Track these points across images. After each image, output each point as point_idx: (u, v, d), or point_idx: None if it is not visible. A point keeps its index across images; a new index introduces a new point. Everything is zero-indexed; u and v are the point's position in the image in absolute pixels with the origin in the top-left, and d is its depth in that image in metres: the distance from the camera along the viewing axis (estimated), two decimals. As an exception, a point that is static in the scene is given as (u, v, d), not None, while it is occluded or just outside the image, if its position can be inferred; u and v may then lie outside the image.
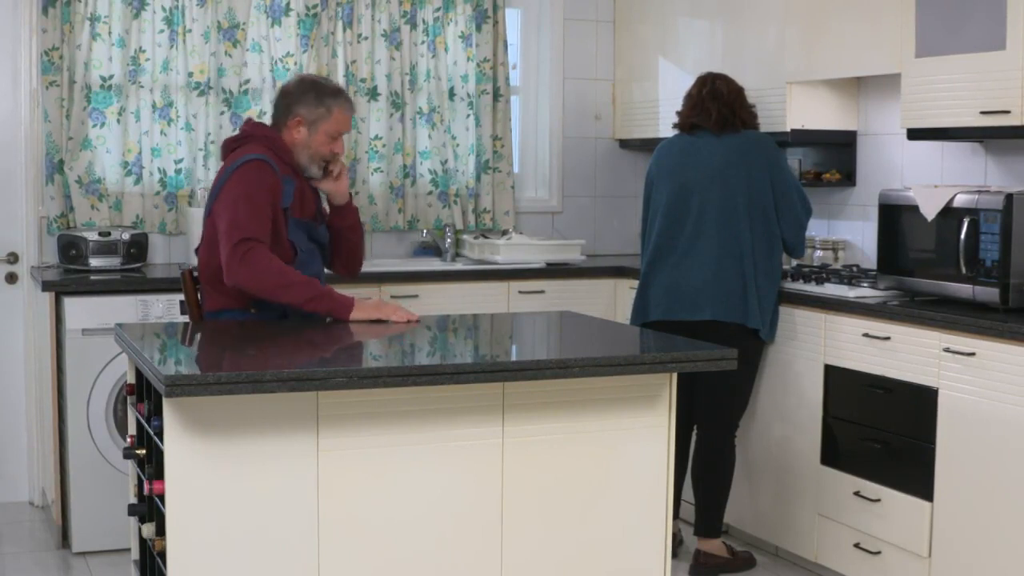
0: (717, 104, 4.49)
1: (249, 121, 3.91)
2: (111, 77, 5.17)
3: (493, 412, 3.08)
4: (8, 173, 5.21)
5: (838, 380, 4.27)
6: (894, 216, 4.21)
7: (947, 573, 3.85)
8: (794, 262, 4.87)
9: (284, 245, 3.69)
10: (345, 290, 4.86)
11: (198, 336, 3.54)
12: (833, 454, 4.31)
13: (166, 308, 4.67)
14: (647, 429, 3.24)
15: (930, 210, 4.02)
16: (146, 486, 3.00)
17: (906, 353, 3.96)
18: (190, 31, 5.26)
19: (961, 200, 3.93)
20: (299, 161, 3.79)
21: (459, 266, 5.43)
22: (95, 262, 4.91)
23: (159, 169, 5.27)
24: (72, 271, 4.89)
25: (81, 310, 4.60)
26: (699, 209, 4.43)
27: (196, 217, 5.13)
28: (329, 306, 3.59)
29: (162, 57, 5.24)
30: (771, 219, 4.40)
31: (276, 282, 3.54)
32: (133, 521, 3.43)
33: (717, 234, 4.39)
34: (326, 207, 3.97)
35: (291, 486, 2.91)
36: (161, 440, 2.88)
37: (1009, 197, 3.77)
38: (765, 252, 4.39)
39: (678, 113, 4.62)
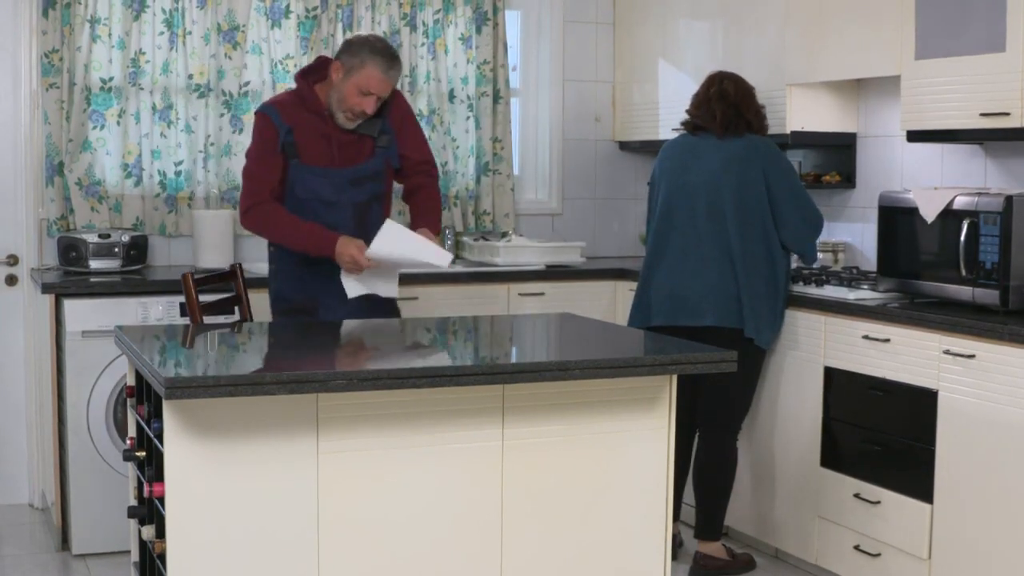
0: (722, 106, 4.46)
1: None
2: (111, 79, 5.17)
3: (493, 414, 3.08)
4: (8, 175, 5.20)
5: (838, 382, 4.27)
6: (894, 218, 4.21)
7: (947, 575, 3.85)
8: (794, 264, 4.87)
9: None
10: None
11: (198, 338, 3.54)
12: (833, 456, 4.31)
13: (166, 310, 4.67)
14: (647, 431, 3.24)
15: (930, 212, 4.02)
16: (146, 488, 2.99)
17: (906, 355, 3.96)
18: (190, 33, 5.26)
19: (961, 202, 3.93)
20: (328, 103, 4.04)
21: (459, 268, 5.42)
22: (95, 264, 4.91)
23: (159, 171, 5.26)
24: (72, 273, 4.89)
25: (81, 312, 4.59)
26: (693, 212, 4.41)
27: (196, 219, 5.14)
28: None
29: (162, 59, 5.24)
30: (768, 225, 4.37)
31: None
32: (133, 523, 3.43)
33: (709, 238, 4.37)
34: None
35: (291, 488, 2.91)
36: (161, 442, 2.88)
37: (1009, 199, 3.76)
38: (762, 257, 4.36)
39: (687, 112, 4.61)
